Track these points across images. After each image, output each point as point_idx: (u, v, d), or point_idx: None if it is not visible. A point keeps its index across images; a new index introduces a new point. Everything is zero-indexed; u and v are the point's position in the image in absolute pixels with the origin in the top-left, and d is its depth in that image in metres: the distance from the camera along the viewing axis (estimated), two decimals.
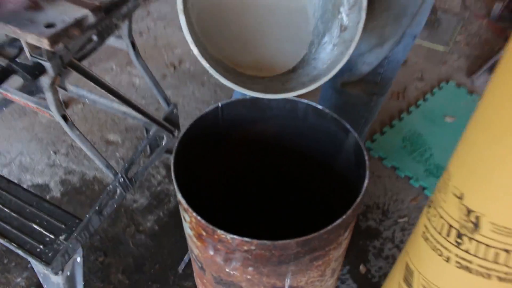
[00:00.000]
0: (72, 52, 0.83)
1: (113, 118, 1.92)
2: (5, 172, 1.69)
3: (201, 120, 0.94)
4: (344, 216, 0.74)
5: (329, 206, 1.11)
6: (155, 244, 1.50)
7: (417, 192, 1.67)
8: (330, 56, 0.87)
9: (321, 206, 1.13)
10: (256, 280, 0.81)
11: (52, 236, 1.16)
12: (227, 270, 0.81)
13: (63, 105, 1.03)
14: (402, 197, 1.65)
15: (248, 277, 0.81)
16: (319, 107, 0.96)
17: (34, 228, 1.17)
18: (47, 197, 1.61)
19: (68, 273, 1.17)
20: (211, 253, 0.80)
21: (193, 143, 0.95)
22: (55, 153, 1.77)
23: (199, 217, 0.74)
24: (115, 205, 1.25)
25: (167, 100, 1.40)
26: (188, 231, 0.86)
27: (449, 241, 0.68)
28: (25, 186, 1.64)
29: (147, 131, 1.48)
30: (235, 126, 1.02)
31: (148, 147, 1.60)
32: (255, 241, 0.70)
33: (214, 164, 1.09)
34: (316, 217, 1.26)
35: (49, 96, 0.92)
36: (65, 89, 0.94)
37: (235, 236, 0.71)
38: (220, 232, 0.72)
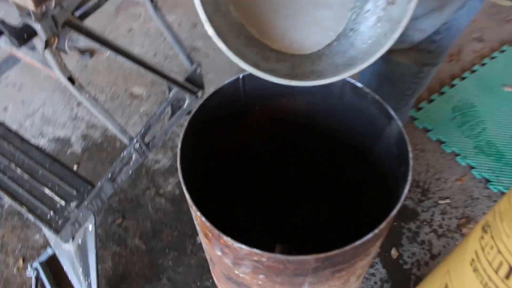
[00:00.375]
0: (69, 11, 0.70)
1: (139, 70, 1.81)
2: (27, 124, 1.63)
3: (218, 94, 0.82)
4: (376, 231, 0.61)
5: (361, 199, 0.98)
6: (174, 210, 1.43)
7: (463, 171, 1.50)
8: (372, 33, 0.71)
9: (352, 199, 1.01)
10: (268, 286, 0.71)
11: (63, 203, 1.10)
12: (236, 272, 0.72)
13: (66, 67, 0.91)
14: (446, 176, 1.49)
15: (260, 282, 0.71)
16: (359, 85, 0.81)
17: (46, 192, 1.11)
18: (68, 152, 1.56)
19: (80, 241, 1.12)
20: (219, 253, 0.70)
21: (208, 121, 0.84)
22: (78, 105, 1.69)
23: (203, 218, 0.63)
24: (130, 172, 1.17)
25: (190, 58, 1.27)
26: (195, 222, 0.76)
27: (507, 285, 0.54)
28: (46, 140, 1.59)
29: (170, 89, 1.37)
30: (259, 102, 0.89)
31: (170, 108, 1.50)
32: (266, 254, 0.60)
33: (232, 145, 0.97)
34: (346, 210, 1.14)
35: (49, 58, 0.81)
36: (65, 51, 0.83)
37: (242, 246, 0.60)
38: (226, 238, 0.61)
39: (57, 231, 1.06)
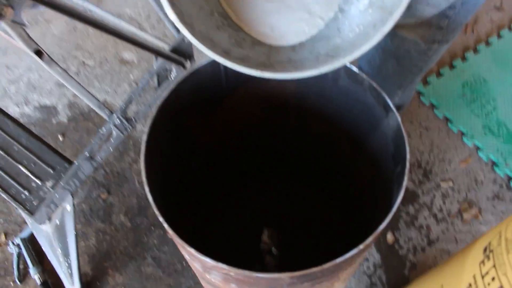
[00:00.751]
0: None
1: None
2: (12, 90, 1.55)
3: (194, 76, 0.73)
4: (361, 246, 0.54)
5: (353, 187, 0.90)
6: None
7: (469, 152, 1.41)
8: (361, 20, 0.61)
9: (344, 186, 0.93)
10: None
11: (38, 182, 1.04)
12: (208, 276, 0.66)
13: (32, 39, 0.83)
14: (450, 157, 1.41)
15: None
16: (355, 69, 0.72)
17: (21, 170, 1.05)
18: (53, 121, 1.49)
19: (58, 222, 1.07)
20: (188, 258, 0.63)
21: (182, 107, 0.75)
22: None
23: (166, 224, 0.56)
24: (111, 149, 1.10)
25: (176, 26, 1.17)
26: None
27: None
28: (31, 107, 1.52)
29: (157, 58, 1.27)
30: (242, 83, 0.79)
31: (156, 78, 1.41)
32: (233, 270, 0.53)
33: (214, 132, 0.89)
34: (337, 195, 1.07)
35: (9, 31, 0.73)
36: (23, 24, 0.74)
37: (207, 260, 0.53)
38: (190, 249, 0.54)
39: (31, 212, 1.00)
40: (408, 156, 0.62)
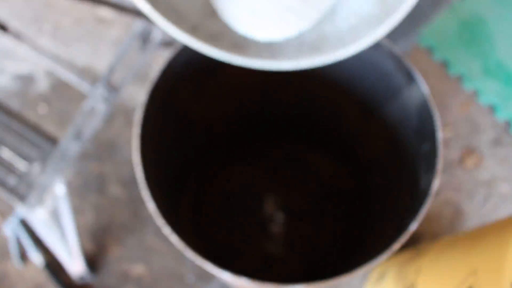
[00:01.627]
0: None
1: None
2: None
3: (185, 50, 0.66)
4: (377, 258, 0.51)
5: (364, 161, 0.87)
6: None
7: (468, 97, 1.38)
8: (359, 9, 0.52)
9: (354, 154, 0.89)
10: None
11: (25, 167, 0.98)
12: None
13: None
14: (450, 102, 1.37)
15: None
16: None
17: (4, 155, 0.99)
18: (34, 91, 1.40)
19: (51, 205, 1.02)
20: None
21: (176, 84, 0.69)
22: (37, 33, 1.49)
23: (167, 228, 0.52)
24: (98, 124, 1.04)
25: None
26: None
27: None
28: (8, 77, 1.42)
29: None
30: None
31: (140, 39, 1.31)
32: (253, 284, 0.50)
33: (209, 106, 0.83)
34: (344, 161, 1.03)
35: None
36: None
37: (227, 274, 0.50)
38: (208, 266, 0.51)
39: (22, 199, 0.96)
40: (440, 134, 0.57)
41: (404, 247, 1.21)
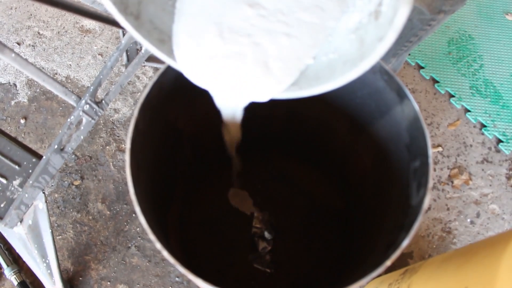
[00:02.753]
0: None
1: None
2: None
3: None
4: (369, 274, 0.48)
5: (352, 176, 0.84)
6: None
7: (457, 114, 1.38)
8: (340, 45, 0.52)
9: (342, 174, 0.87)
10: None
11: (4, 182, 0.93)
12: None
13: None
14: (439, 120, 1.37)
15: None
16: None
17: None
18: (12, 103, 1.35)
19: (30, 222, 0.97)
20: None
21: (167, 98, 0.66)
22: (19, 44, 1.44)
23: (158, 244, 0.49)
24: (82, 137, 1.00)
25: None
26: None
27: None
28: None
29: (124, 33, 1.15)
30: None
31: (125, 54, 1.28)
32: None
33: (198, 122, 0.80)
34: (334, 183, 1.01)
35: None
36: None
37: (196, 280, 0.47)
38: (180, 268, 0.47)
39: (0, 216, 0.91)
40: (430, 151, 0.56)
41: (393, 265, 1.20)
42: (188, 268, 0.50)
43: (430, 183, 0.56)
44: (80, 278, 1.13)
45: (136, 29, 0.52)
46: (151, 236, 0.51)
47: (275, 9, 0.53)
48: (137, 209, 0.53)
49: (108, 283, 1.13)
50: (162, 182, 0.85)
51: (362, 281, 0.51)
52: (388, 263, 0.51)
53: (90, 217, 1.20)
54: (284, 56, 0.52)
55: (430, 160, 0.57)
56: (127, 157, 0.58)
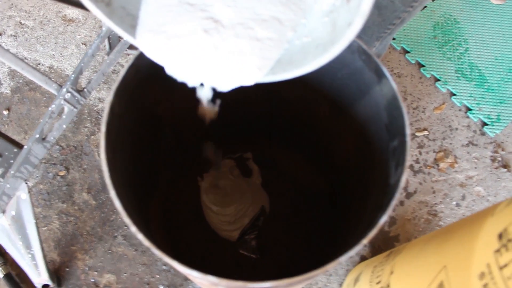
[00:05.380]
0: None
1: None
2: None
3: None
4: (347, 252, 0.48)
5: (337, 158, 0.84)
6: None
7: (443, 98, 1.38)
8: (313, 28, 0.51)
9: (326, 157, 0.87)
10: None
11: None
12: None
13: None
14: (424, 104, 1.37)
15: None
16: None
17: None
18: None
19: (13, 213, 0.96)
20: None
21: (144, 83, 0.65)
22: (0, 34, 1.42)
23: (134, 227, 0.48)
24: (64, 126, 0.99)
25: None
26: None
27: None
28: None
29: None
30: None
31: (107, 42, 1.26)
32: (225, 282, 0.46)
33: (178, 106, 0.79)
34: (319, 167, 1.01)
35: None
36: None
37: (179, 266, 0.46)
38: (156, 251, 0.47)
39: None
40: (408, 130, 0.56)
41: (380, 249, 1.20)
42: (172, 255, 0.50)
43: (408, 162, 0.56)
44: (67, 269, 1.13)
45: (108, 16, 0.51)
46: (126, 219, 0.51)
47: None
48: (112, 192, 0.53)
49: (95, 272, 1.13)
50: (145, 169, 0.84)
51: (340, 259, 0.51)
52: (365, 241, 0.51)
53: (76, 208, 1.20)
54: (259, 39, 0.52)
55: (408, 139, 0.57)
56: (102, 141, 0.57)
